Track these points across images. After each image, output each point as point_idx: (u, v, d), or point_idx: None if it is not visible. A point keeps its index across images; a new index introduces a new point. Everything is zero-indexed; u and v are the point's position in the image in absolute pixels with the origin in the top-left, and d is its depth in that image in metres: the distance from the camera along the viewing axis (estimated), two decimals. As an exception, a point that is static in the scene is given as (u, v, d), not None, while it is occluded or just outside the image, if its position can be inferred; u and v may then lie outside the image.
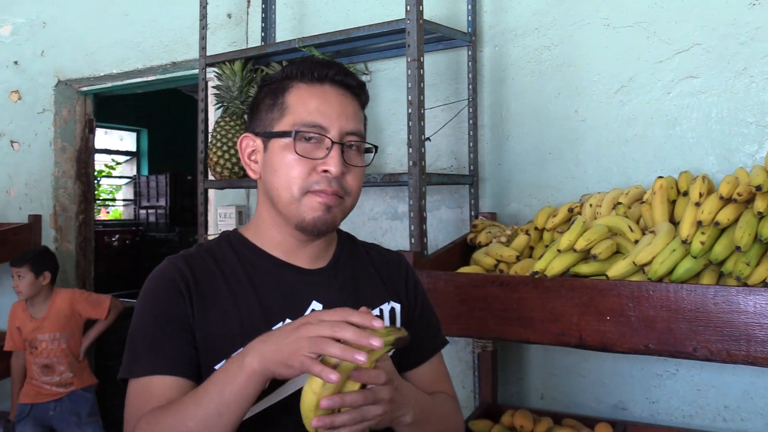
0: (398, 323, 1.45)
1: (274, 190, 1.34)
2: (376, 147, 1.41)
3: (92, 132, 4.55)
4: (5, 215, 4.52)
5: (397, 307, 1.47)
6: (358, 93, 1.40)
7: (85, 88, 4.41)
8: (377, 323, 1.09)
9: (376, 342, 1.06)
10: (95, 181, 4.76)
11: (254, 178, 1.41)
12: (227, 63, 2.95)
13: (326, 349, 1.07)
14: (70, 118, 4.43)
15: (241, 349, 1.19)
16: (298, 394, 1.22)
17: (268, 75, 1.45)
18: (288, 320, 1.32)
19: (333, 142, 1.31)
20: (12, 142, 4.52)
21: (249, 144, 1.41)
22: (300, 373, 1.11)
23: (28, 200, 4.45)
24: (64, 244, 4.38)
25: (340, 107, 1.34)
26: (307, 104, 1.34)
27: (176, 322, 1.30)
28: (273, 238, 1.40)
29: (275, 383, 1.30)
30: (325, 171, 1.30)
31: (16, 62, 4.52)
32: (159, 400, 1.25)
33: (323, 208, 1.31)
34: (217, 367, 1.26)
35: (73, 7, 4.26)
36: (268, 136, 1.37)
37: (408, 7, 2.37)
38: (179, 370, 1.27)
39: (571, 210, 2.30)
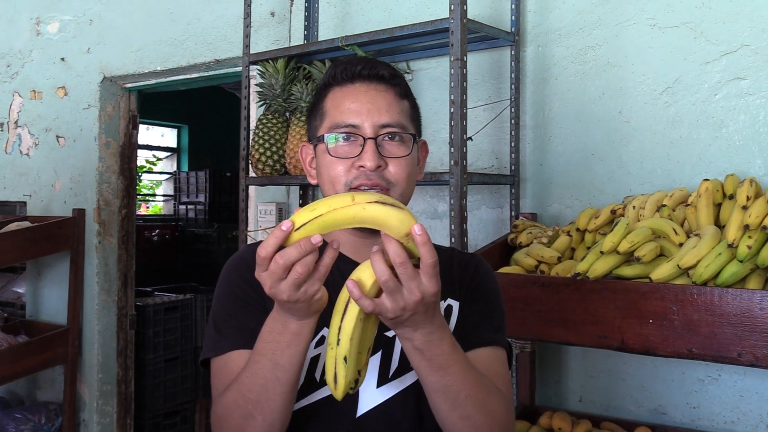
0: (452, 320, 1.43)
1: (323, 191, 1.41)
2: (413, 135, 1.41)
3: (136, 128, 4.62)
4: (50, 209, 4.61)
5: (455, 304, 1.44)
6: (394, 83, 1.41)
7: (129, 85, 4.47)
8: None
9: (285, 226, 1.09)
10: (137, 177, 4.82)
11: (313, 184, 1.48)
12: (270, 61, 2.97)
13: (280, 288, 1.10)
14: (115, 114, 4.50)
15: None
16: (324, 401, 1.32)
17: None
18: None
19: (365, 139, 1.34)
20: (58, 137, 4.61)
21: (308, 152, 1.49)
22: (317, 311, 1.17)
23: (73, 194, 4.52)
24: (107, 238, 4.45)
25: (371, 102, 1.37)
26: (340, 106, 1.38)
27: (254, 300, 1.36)
28: (339, 237, 1.40)
29: (307, 388, 1.34)
30: (362, 167, 1.34)
31: (63, 59, 4.60)
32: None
33: None
34: None
35: (119, 4, 4.33)
36: (314, 143, 1.44)
37: (452, 7, 2.37)
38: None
39: (613, 212, 2.28)
